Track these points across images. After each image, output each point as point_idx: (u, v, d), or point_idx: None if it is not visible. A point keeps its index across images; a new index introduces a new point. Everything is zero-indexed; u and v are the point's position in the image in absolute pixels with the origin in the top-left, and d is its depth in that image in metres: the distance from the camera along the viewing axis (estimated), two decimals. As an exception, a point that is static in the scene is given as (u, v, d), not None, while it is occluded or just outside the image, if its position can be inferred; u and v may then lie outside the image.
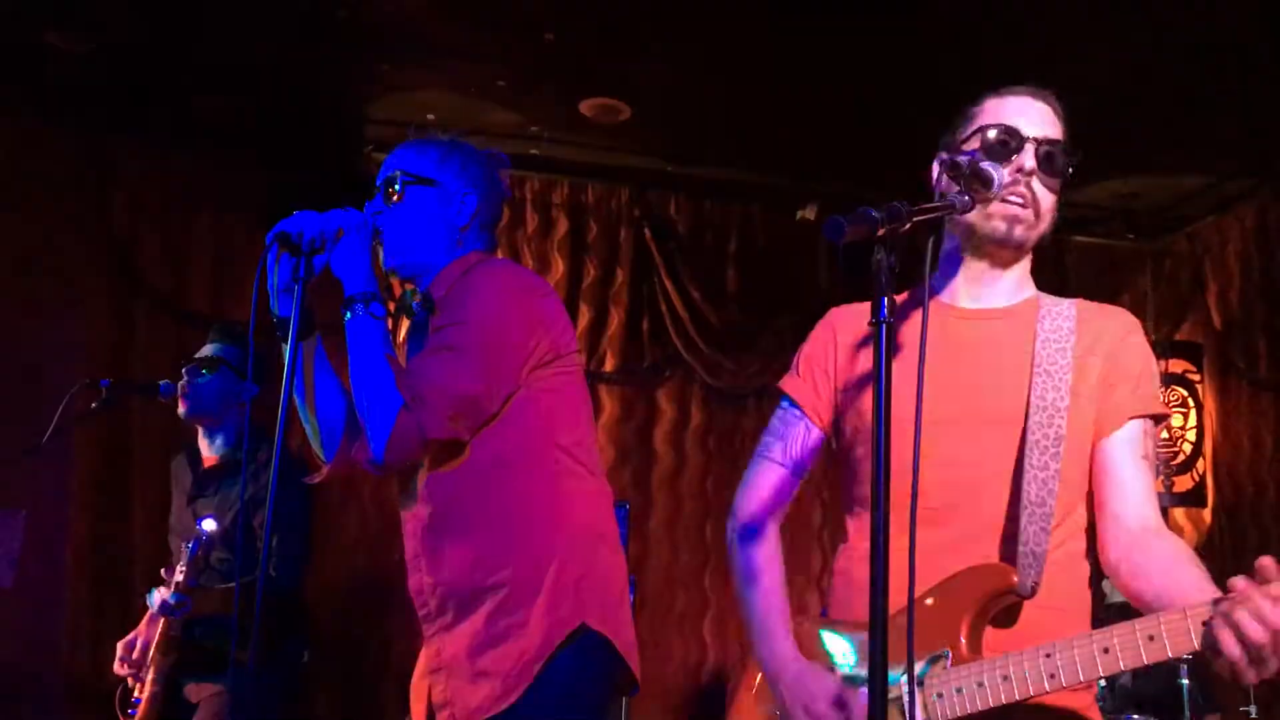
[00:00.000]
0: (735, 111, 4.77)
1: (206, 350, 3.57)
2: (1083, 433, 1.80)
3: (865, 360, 1.91)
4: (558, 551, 2.14)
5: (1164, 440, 5.40)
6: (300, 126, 4.77)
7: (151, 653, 3.34)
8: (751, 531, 1.98)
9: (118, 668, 3.46)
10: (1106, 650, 1.54)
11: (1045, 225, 1.86)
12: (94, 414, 3.54)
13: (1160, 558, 1.72)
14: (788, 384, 2.03)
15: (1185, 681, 3.93)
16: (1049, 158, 1.81)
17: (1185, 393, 5.56)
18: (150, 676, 3.35)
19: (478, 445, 2.17)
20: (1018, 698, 1.62)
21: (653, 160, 5.33)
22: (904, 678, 1.59)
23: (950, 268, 1.91)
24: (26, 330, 4.50)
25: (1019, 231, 1.82)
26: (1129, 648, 1.53)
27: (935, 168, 1.91)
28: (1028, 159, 1.80)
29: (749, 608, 1.94)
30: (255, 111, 4.73)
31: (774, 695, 1.84)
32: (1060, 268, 5.72)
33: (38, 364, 4.37)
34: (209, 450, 3.57)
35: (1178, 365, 5.56)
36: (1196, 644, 1.49)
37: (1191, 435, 5.54)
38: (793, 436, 1.99)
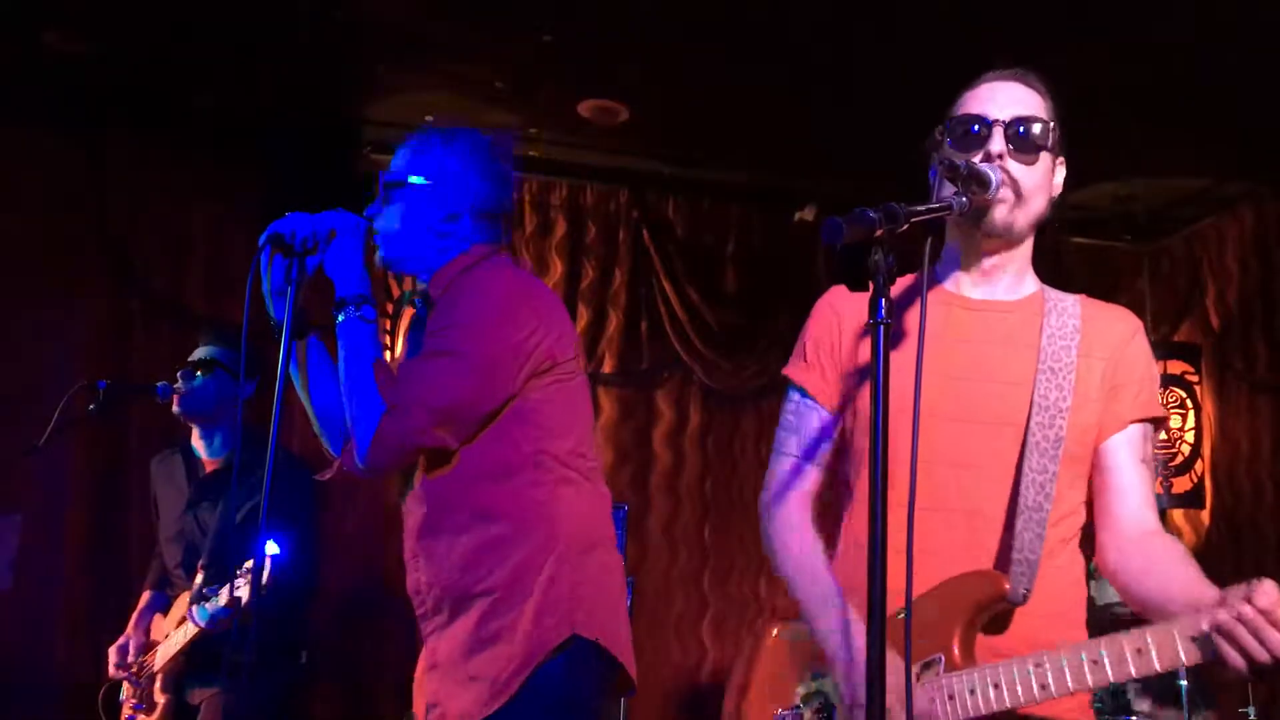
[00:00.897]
0: (733, 113, 4.77)
1: (200, 353, 3.55)
2: (1083, 435, 1.80)
3: (867, 350, 1.85)
4: (548, 560, 2.13)
5: (1162, 441, 5.40)
6: (298, 127, 4.76)
7: (163, 662, 3.34)
8: (788, 526, 1.91)
9: (113, 672, 3.46)
10: (1096, 662, 1.56)
11: (1035, 206, 1.80)
12: (91, 415, 3.53)
13: (1157, 560, 1.73)
14: (796, 372, 1.95)
15: (1183, 682, 3.93)
16: (1020, 136, 1.77)
17: (1183, 394, 5.55)
18: (158, 685, 3.35)
19: (469, 452, 2.15)
20: (1009, 706, 1.62)
21: (651, 162, 5.33)
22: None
23: (952, 257, 1.89)
24: (24, 331, 4.49)
25: (1001, 213, 1.76)
26: (1117, 661, 1.55)
27: (934, 170, 1.88)
28: (995, 143, 1.76)
29: (799, 592, 1.85)
30: (253, 112, 4.74)
31: (832, 674, 1.77)
32: (1058, 269, 5.68)
33: (36, 365, 4.37)
34: (207, 453, 3.55)
35: (1176, 366, 5.56)
36: (1184, 660, 1.53)
37: (1190, 436, 5.54)
38: (807, 429, 1.92)
